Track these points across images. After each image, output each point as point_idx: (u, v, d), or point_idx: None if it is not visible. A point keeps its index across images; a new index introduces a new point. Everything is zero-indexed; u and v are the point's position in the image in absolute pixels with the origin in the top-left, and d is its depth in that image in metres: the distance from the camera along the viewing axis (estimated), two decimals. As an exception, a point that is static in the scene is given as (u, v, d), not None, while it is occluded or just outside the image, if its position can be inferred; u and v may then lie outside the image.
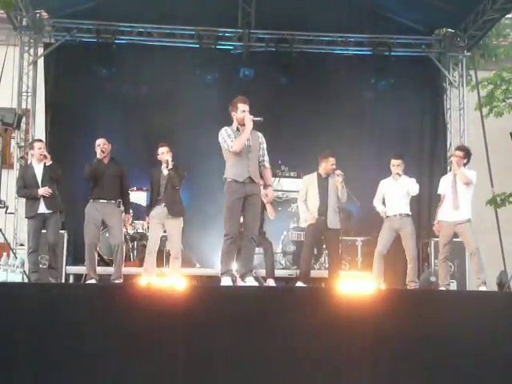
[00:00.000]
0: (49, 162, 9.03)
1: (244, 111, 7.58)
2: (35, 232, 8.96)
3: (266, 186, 7.90)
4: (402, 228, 9.10)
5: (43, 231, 9.09)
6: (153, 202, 9.05)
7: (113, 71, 12.35)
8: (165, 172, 8.88)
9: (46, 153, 9.06)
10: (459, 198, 8.72)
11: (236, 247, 7.71)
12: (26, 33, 12.25)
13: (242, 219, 7.71)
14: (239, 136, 7.52)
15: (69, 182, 10.25)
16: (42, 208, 8.93)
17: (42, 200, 8.91)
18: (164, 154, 8.93)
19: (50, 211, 8.96)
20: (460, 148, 9.25)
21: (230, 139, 7.53)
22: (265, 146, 7.79)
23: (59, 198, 9.14)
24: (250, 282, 7.45)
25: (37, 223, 8.94)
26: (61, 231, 9.92)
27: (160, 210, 8.87)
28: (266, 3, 11.66)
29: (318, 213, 9.11)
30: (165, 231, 9.08)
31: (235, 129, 7.63)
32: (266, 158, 7.78)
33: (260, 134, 7.78)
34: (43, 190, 8.89)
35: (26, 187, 9.08)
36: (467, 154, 8.92)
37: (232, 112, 7.68)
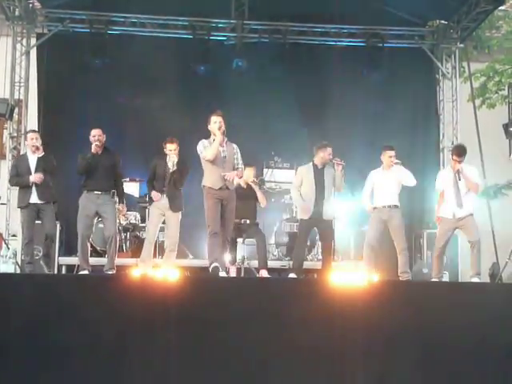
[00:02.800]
0: (40, 154, 8.96)
1: (215, 122, 8.17)
2: (29, 223, 8.83)
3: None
4: (391, 219, 9.06)
5: (38, 222, 9.00)
6: (156, 189, 9.00)
7: (106, 61, 12.28)
8: (170, 167, 8.86)
9: (37, 144, 8.93)
10: (462, 196, 8.72)
11: (219, 240, 8.23)
12: (19, 23, 12.21)
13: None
14: (210, 146, 8.17)
15: (61, 172, 10.18)
16: (34, 198, 8.77)
17: (34, 190, 8.76)
18: (171, 152, 8.89)
19: (43, 201, 8.82)
20: (458, 150, 8.99)
21: (205, 150, 8.21)
22: (239, 155, 8.42)
23: (53, 189, 8.99)
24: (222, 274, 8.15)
25: (30, 214, 8.82)
26: (54, 222, 9.86)
27: (163, 200, 8.88)
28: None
29: (313, 204, 9.07)
30: (163, 222, 9.07)
31: (212, 140, 8.23)
32: (241, 166, 8.46)
33: (235, 146, 8.43)
34: (35, 176, 8.74)
35: (19, 176, 8.99)
36: (464, 152, 8.85)
37: (208, 125, 8.26)
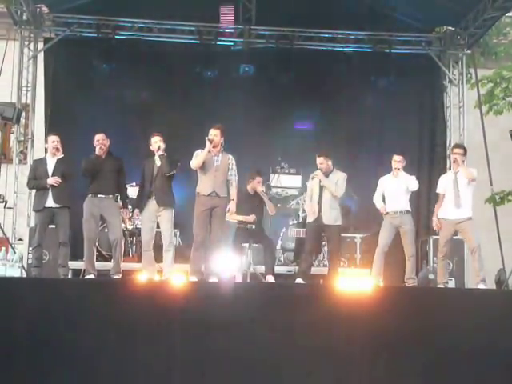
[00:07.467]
0: (60, 155, 8.95)
1: (210, 134, 8.56)
2: (41, 226, 8.79)
3: (230, 200, 8.63)
4: (402, 225, 9.08)
5: (52, 226, 8.99)
6: (144, 193, 8.96)
7: (113, 66, 12.35)
8: (157, 162, 8.81)
9: (58, 146, 8.94)
10: (461, 197, 8.74)
11: (203, 250, 8.50)
12: (26, 27, 12.24)
13: None
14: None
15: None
16: (50, 202, 8.72)
17: (50, 193, 8.72)
18: (157, 142, 8.82)
19: (58, 205, 8.75)
20: (459, 146, 9.43)
21: (193, 159, 8.60)
22: (234, 167, 8.69)
23: (68, 194, 8.93)
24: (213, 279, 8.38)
25: (44, 218, 8.78)
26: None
27: (150, 203, 8.82)
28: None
29: (318, 209, 9.11)
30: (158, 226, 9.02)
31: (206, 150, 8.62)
32: (235, 177, 8.67)
33: (231, 157, 8.70)
34: (52, 179, 8.71)
35: (36, 179, 8.96)
36: (465, 151, 9.05)
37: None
